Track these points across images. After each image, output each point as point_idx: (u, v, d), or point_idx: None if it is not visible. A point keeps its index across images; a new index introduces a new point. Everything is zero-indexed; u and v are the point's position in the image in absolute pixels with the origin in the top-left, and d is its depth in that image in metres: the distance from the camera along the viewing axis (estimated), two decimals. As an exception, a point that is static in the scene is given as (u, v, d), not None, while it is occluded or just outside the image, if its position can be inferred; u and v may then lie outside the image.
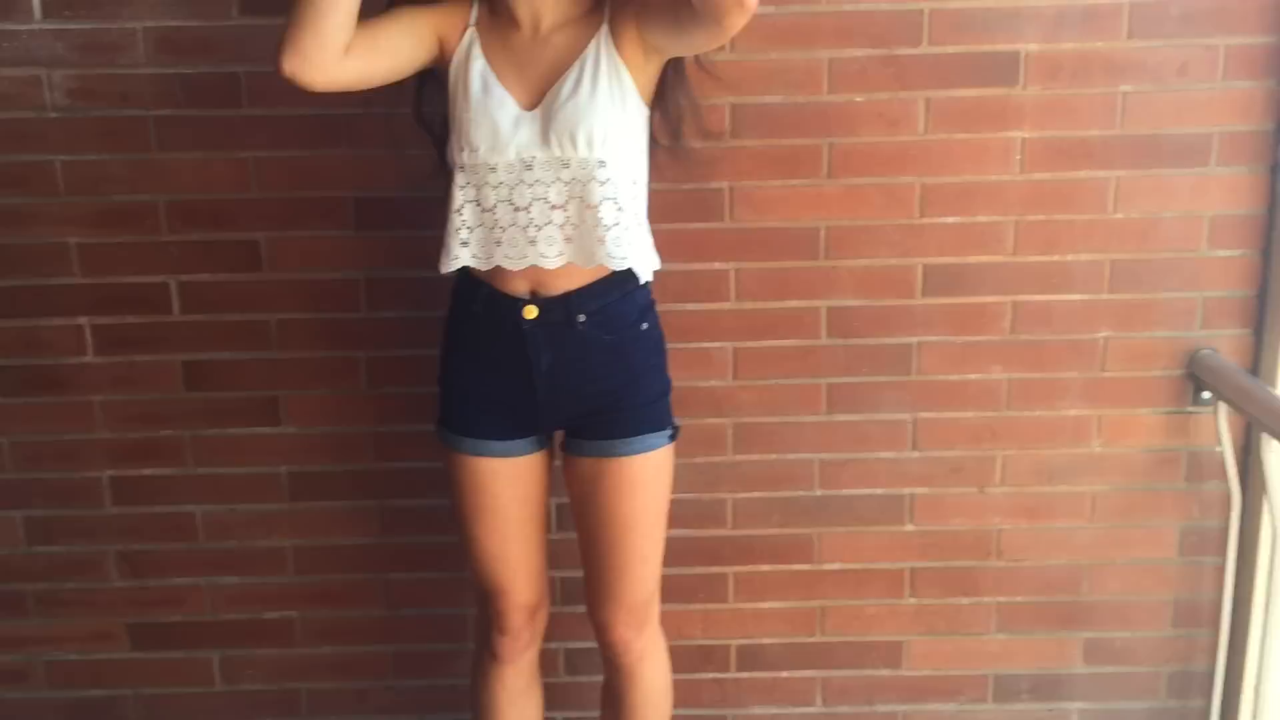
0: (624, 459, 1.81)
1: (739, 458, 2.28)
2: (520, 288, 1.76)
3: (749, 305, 2.20)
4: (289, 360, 2.22)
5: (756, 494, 2.30)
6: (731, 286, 2.19)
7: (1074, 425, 2.26)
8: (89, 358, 2.21)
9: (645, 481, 1.84)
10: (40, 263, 2.16)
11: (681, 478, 2.21)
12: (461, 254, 1.75)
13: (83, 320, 2.19)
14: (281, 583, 2.35)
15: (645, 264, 1.81)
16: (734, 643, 2.39)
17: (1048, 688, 2.40)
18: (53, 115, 2.09)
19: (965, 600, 2.35)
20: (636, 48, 1.72)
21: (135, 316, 2.19)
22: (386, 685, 2.41)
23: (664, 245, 2.07)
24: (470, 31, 1.76)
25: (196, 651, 2.39)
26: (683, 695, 2.28)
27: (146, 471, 2.28)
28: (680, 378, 2.13)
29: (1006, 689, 2.40)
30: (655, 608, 1.97)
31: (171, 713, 2.42)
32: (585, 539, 1.91)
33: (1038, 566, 2.33)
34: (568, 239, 1.72)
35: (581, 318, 1.75)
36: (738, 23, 1.54)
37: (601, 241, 1.71)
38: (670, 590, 2.28)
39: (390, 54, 1.73)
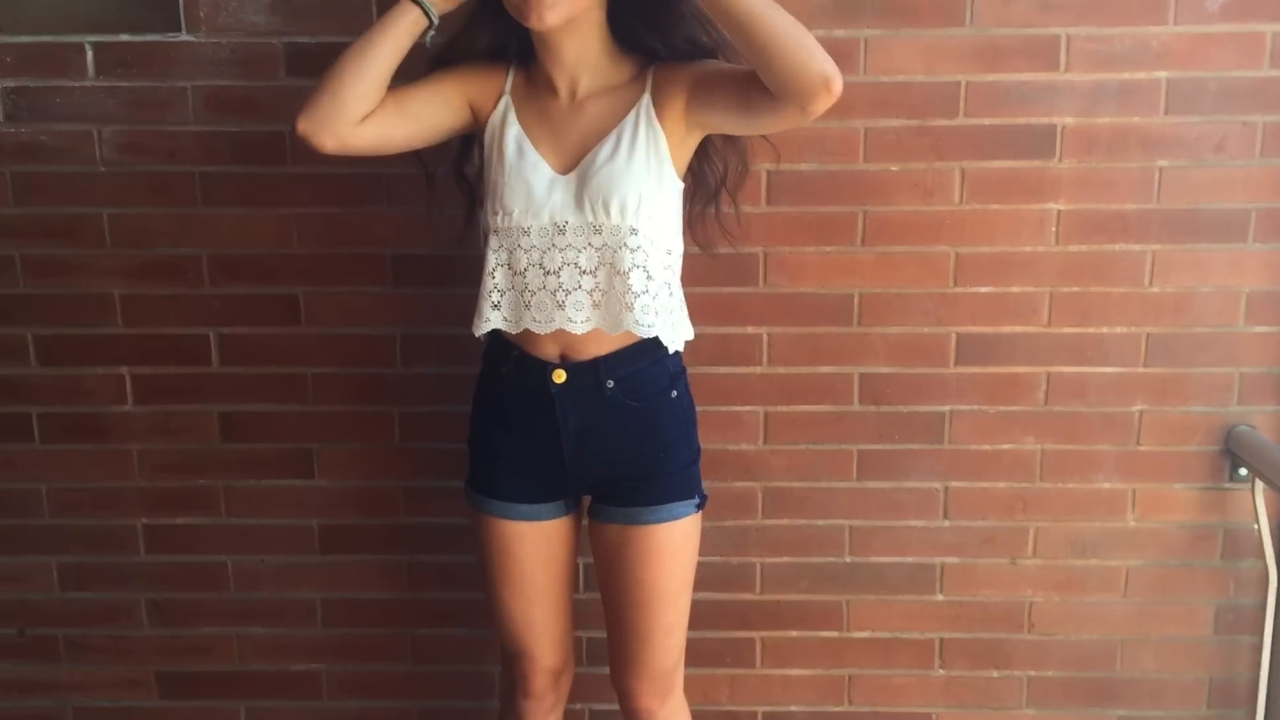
0: (650, 527, 1.80)
1: (768, 522, 2.27)
2: (550, 351, 1.76)
3: (781, 370, 2.20)
4: (324, 414, 2.24)
5: (785, 559, 2.29)
6: (764, 351, 2.19)
7: (1108, 498, 2.23)
8: (129, 407, 2.24)
9: (671, 550, 1.83)
10: (85, 312, 2.20)
11: (710, 541, 2.21)
12: (493, 316, 1.77)
13: (124, 370, 2.23)
14: (310, 635, 2.36)
15: (675, 333, 1.81)
16: (760, 709, 2.37)
17: (1079, 765, 2.37)
18: (102, 169, 2.14)
19: (996, 673, 2.32)
20: (679, 122, 1.73)
21: (175, 367, 2.23)
22: (411, 741, 2.41)
23: (697, 309, 2.09)
24: (505, 99, 1.79)
25: (224, 702, 2.40)
26: (707, 762, 2.27)
27: (180, 520, 2.30)
28: (711, 441, 2.14)
29: (1037, 765, 2.37)
30: (679, 676, 1.95)
31: (196, 762, 2.43)
32: (609, 606, 1.90)
33: (1070, 641, 2.30)
34: (595, 305, 1.73)
35: (610, 383, 1.76)
36: (822, 107, 1.53)
37: (629, 309, 1.71)
38: (697, 654, 2.27)
39: (413, 120, 1.77)
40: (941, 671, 2.33)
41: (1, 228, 2.16)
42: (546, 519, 1.86)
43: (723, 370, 2.19)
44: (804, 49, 1.51)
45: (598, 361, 1.75)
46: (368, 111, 1.70)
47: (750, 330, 2.18)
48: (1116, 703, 2.33)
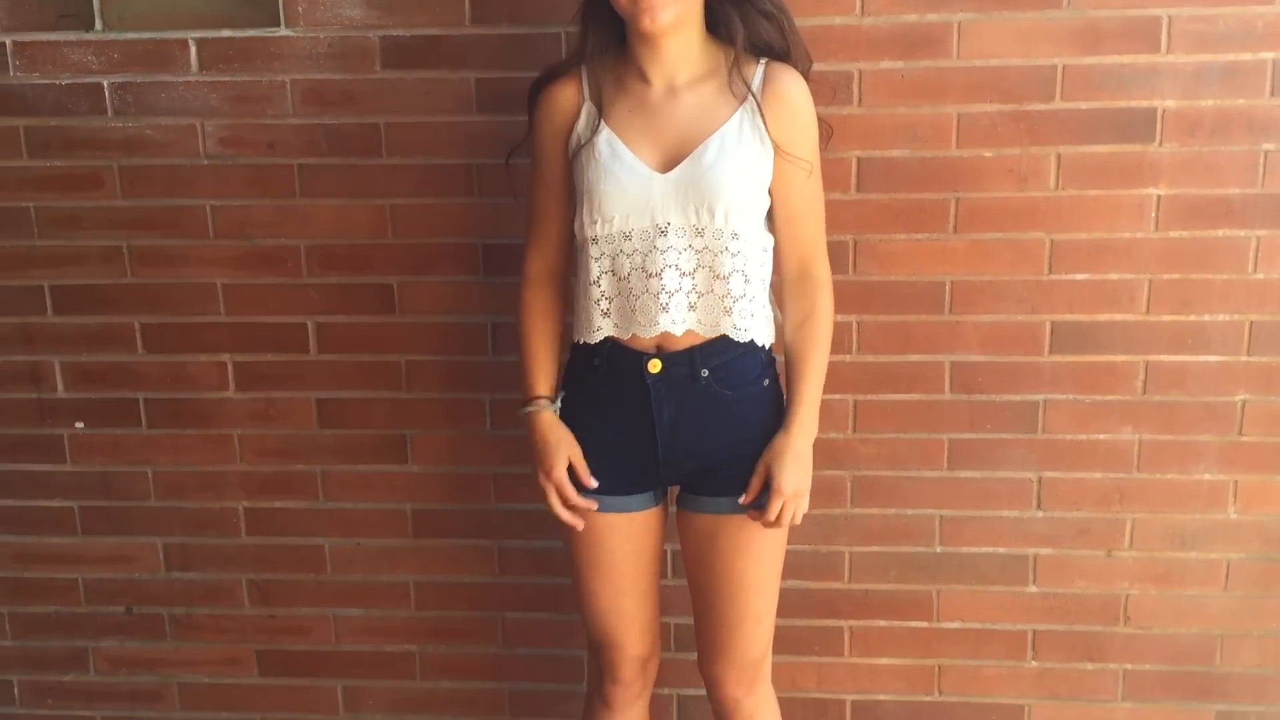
0: (741, 517, 1.81)
1: (857, 511, 2.26)
2: (645, 343, 1.76)
3: (870, 358, 2.19)
4: (417, 401, 2.28)
5: (875, 548, 2.27)
6: (854, 339, 2.18)
7: (1209, 490, 2.18)
8: (230, 393, 2.31)
9: (761, 541, 1.83)
10: (190, 302, 2.26)
11: (798, 529, 2.19)
12: (604, 325, 1.76)
13: (226, 357, 2.29)
14: (403, 616, 2.41)
15: (769, 328, 1.81)
16: (849, 697, 2.36)
17: (1177, 761, 2.32)
18: (205, 162, 2.20)
19: (1090, 665, 2.29)
20: (775, 139, 1.73)
21: (274, 355, 2.28)
22: (501, 723, 2.45)
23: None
24: (586, 106, 1.77)
25: (321, 680, 2.46)
26: (795, 749, 2.27)
27: (279, 504, 2.36)
28: (800, 430, 2.14)
29: (1133, 760, 2.33)
30: (767, 665, 1.95)
31: (295, 739, 2.50)
32: (698, 595, 1.90)
33: (1168, 634, 2.26)
34: (691, 307, 1.72)
35: (705, 373, 1.75)
36: None
37: (728, 313, 1.72)
38: (785, 642, 2.27)
39: (569, 219, 1.83)
40: (1034, 663, 2.30)
41: (110, 219, 2.23)
42: (637, 510, 1.86)
43: (812, 358, 2.18)
44: None
45: (693, 351, 1.75)
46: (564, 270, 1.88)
47: (840, 318, 2.14)
48: (1215, 697, 2.28)
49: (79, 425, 2.34)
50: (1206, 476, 2.18)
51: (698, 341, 1.75)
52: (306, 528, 2.37)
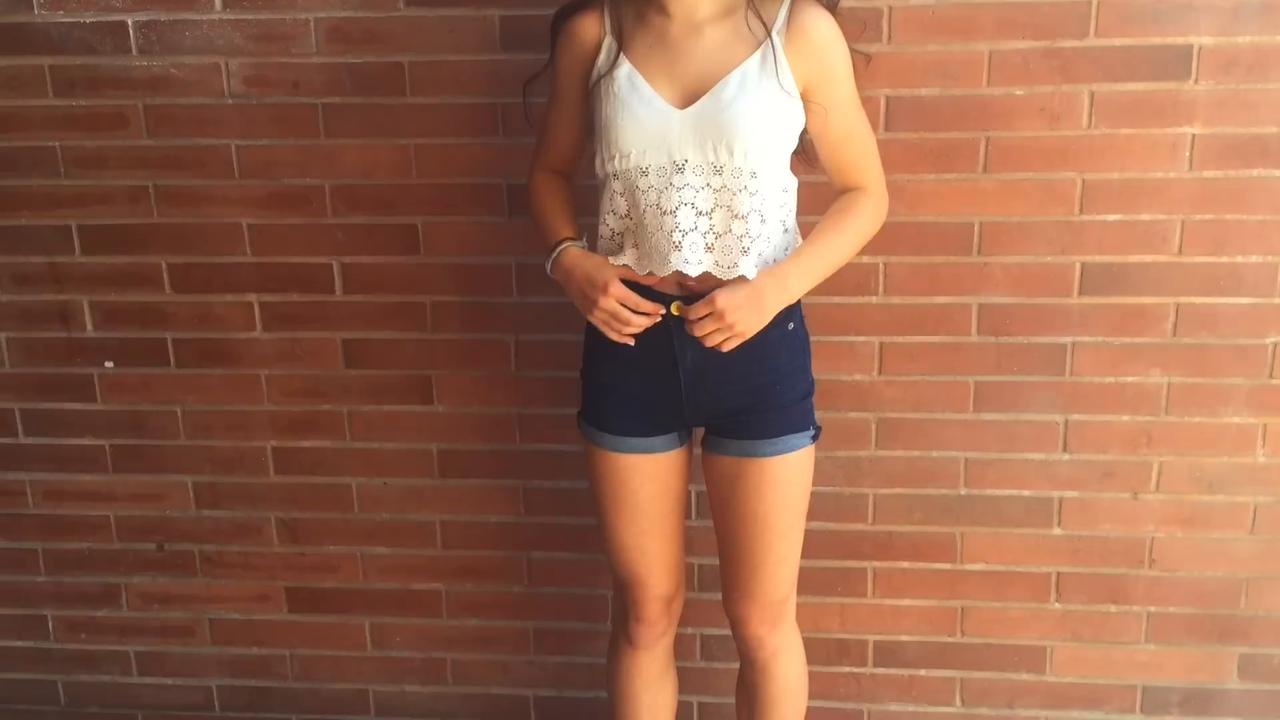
0: (765, 460, 1.80)
1: (882, 453, 2.26)
2: (668, 284, 1.74)
3: (897, 300, 2.17)
4: (442, 341, 2.29)
5: (899, 490, 2.28)
6: (880, 280, 2.16)
7: (1237, 433, 2.17)
8: (257, 333, 2.32)
9: (786, 483, 1.83)
10: (216, 242, 2.27)
11: (823, 471, 2.21)
12: (627, 255, 1.75)
13: (252, 297, 2.30)
14: (430, 555, 2.43)
15: None
16: (871, 638, 2.38)
17: (1199, 702, 2.32)
18: (229, 101, 2.19)
19: (1114, 608, 2.29)
20: (803, 77, 1.70)
21: (300, 295, 2.29)
22: (528, 660, 2.48)
23: (812, 238, 2.07)
24: (607, 40, 1.75)
25: (349, 617, 2.49)
26: (819, 688, 2.29)
27: (307, 444, 2.38)
28: (824, 371, 2.14)
29: (1155, 701, 2.33)
30: (791, 605, 1.97)
31: (325, 673, 2.54)
32: (723, 536, 1.91)
33: (1193, 577, 2.26)
34: (708, 248, 1.70)
35: None
36: None
37: (745, 253, 1.69)
38: (809, 583, 2.28)
39: (581, 143, 1.84)
40: (1058, 605, 2.30)
41: (136, 159, 2.23)
42: (661, 451, 1.86)
43: (837, 300, 2.17)
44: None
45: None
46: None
47: (866, 260, 2.14)
48: (1239, 640, 2.28)
49: (108, 364, 2.36)
50: (1235, 419, 2.16)
51: (718, 284, 1.71)
52: (334, 467, 2.39)
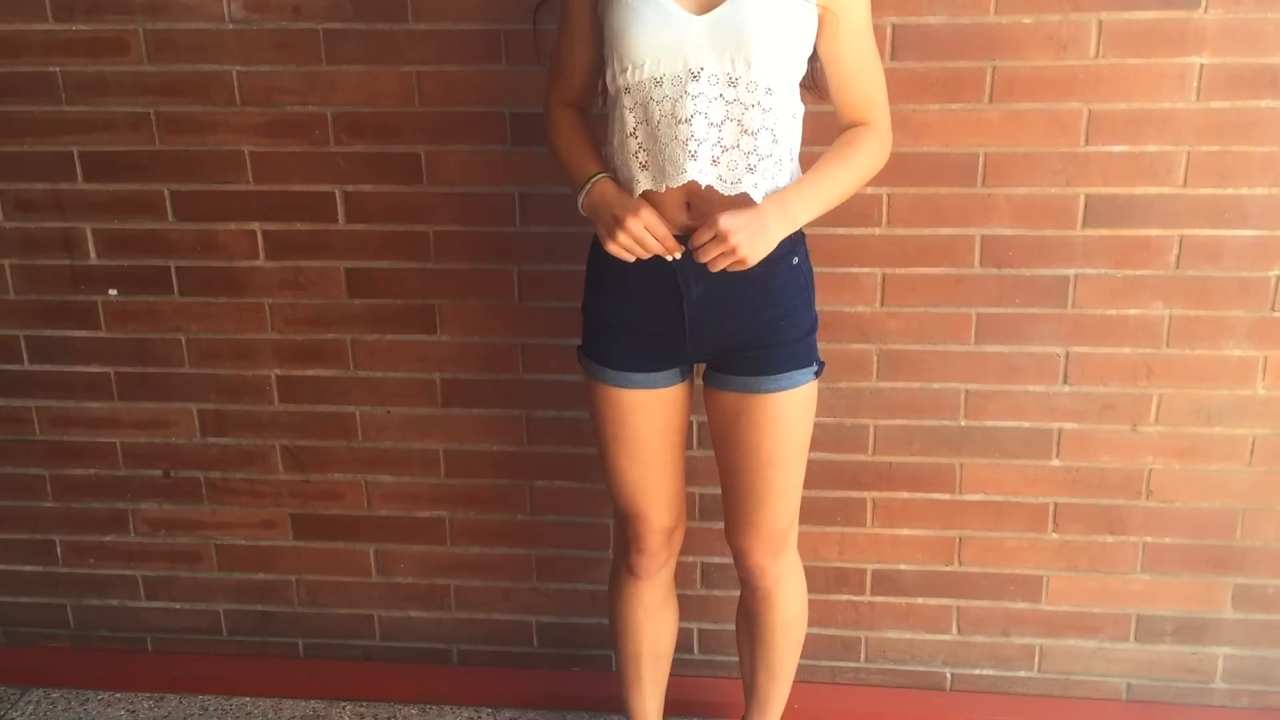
0: (769, 395, 1.80)
1: (883, 384, 2.27)
2: (675, 213, 1.71)
3: (900, 231, 2.17)
4: (445, 271, 2.29)
5: (899, 421, 2.29)
6: (883, 211, 2.16)
7: (1238, 366, 2.17)
8: (260, 262, 2.32)
9: (789, 418, 1.83)
10: (218, 169, 2.26)
11: (824, 402, 2.22)
12: (643, 178, 1.70)
13: (255, 225, 2.30)
14: (433, 484, 2.45)
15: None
16: (870, 567, 2.40)
17: (1192, 631, 2.36)
18: (230, 27, 2.17)
19: (1110, 538, 2.31)
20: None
21: (303, 224, 2.29)
22: (530, 586, 2.51)
23: (816, 168, 2.06)
24: None
25: (354, 544, 2.52)
26: (817, 615, 2.32)
27: (310, 372, 2.39)
28: (827, 302, 2.15)
29: (1149, 630, 2.37)
30: (793, 535, 1.98)
31: (330, 598, 2.57)
32: (725, 471, 1.91)
33: (1189, 508, 2.27)
34: (714, 161, 1.65)
35: None
36: None
37: (751, 170, 1.66)
38: (808, 513, 2.30)
39: (596, 65, 1.79)
40: (1054, 535, 2.32)
41: (137, 85, 2.22)
42: (663, 386, 1.86)
43: (840, 231, 2.16)
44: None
45: None
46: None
47: (869, 190, 2.14)
48: (1234, 570, 2.31)
49: (112, 292, 2.37)
50: (1236, 352, 2.17)
51: (723, 206, 1.68)
52: (337, 396, 2.41)
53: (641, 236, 1.67)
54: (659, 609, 2.08)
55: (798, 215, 1.72)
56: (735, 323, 1.78)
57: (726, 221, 1.63)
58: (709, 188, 1.67)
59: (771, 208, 1.68)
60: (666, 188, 1.68)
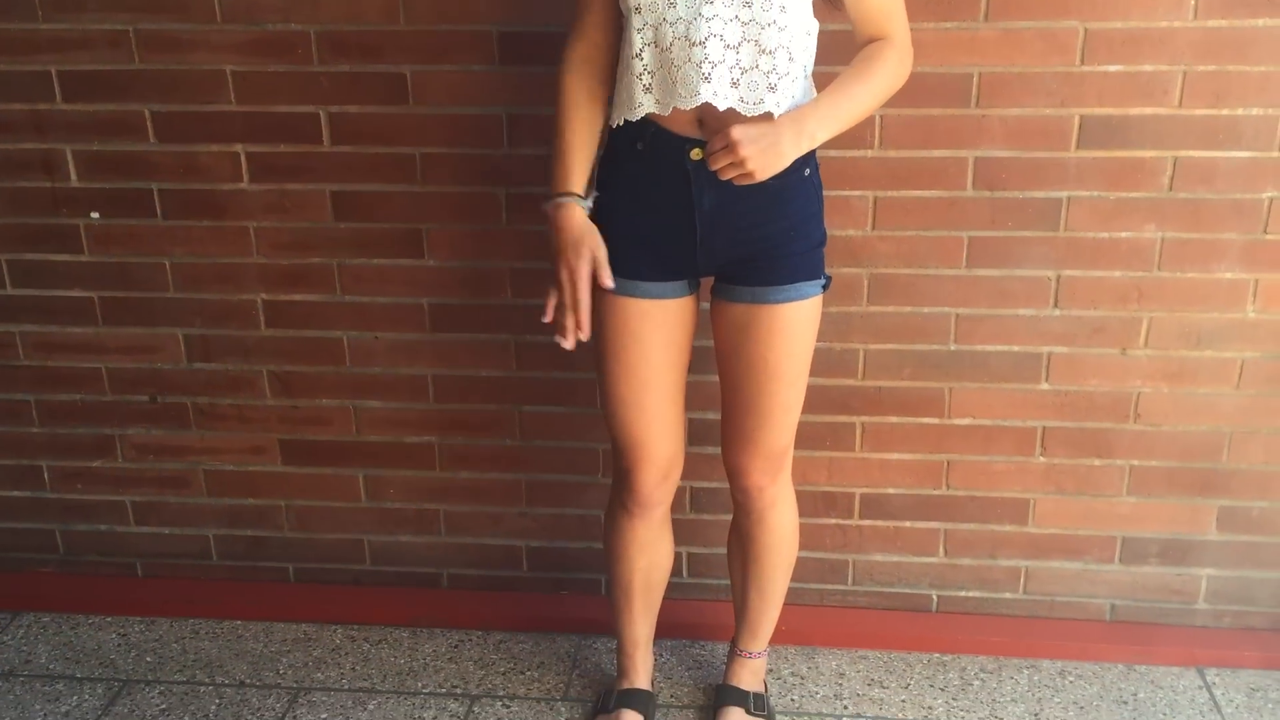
0: (778, 306, 1.80)
1: (873, 309, 2.26)
2: (688, 128, 1.71)
3: (892, 153, 2.15)
4: (432, 194, 2.26)
5: (889, 346, 2.28)
6: (876, 133, 2.14)
7: (1229, 289, 2.17)
8: (244, 184, 2.29)
9: (796, 330, 1.82)
10: (199, 89, 2.22)
11: (814, 325, 2.22)
12: (645, 101, 1.70)
13: (238, 148, 2.26)
14: (422, 409, 2.45)
15: None
16: (858, 491, 2.41)
17: (1177, 553, 2.38)
18: (209, -58, 2.12)
19: (1098, 461, 2.32)
20: None
21: (287, 145, 2.25)
22: (519, 511, 2.52)
23: (809, 87, 2.03)
24: None
25: (343, 469, 2.52)
26: (805, 539, 2.33)
27: (297, 297, 2.37)
28: (818, 224, 2.12)
29: (1134, 551, 2.39)
30: (789, 456, 1.99)
31: (320, 524, 2.58)
32: (729, 386, 1.90)
33: (1177, 432, 2.29)
34: (734, 83, 1.65)
35: None
36: None
37: (772, 89, 1.65)
38: (798, 437, 2.30)
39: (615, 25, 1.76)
40: (1042, 459, 2.34)
41: (114, 2, 2.17)
42: (671, 297, 1.84)
43: (832, 153, 2.14)
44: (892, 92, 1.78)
45: None
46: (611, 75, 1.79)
47: (863, 111, 2.11)
48: (1219, 493, 2.32)
49: (94, 215, 2.33)
50: (1227, 275, 2.16)
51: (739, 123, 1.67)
52: (325, 321, 2.39)
53: (577, 282, 1.74)
54: (653, 543, 2.07)
55: (815, 132, 1.68)
56: (746, 233, 1.77)
57: (738, 132, 1.61)
58: (730, 110, 1.65)
59: (787, 126, 1.66)
60: (675, 111, 1.67)
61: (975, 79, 2.08)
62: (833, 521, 2.44)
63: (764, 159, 1.63)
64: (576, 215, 1.75)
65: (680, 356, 1.91)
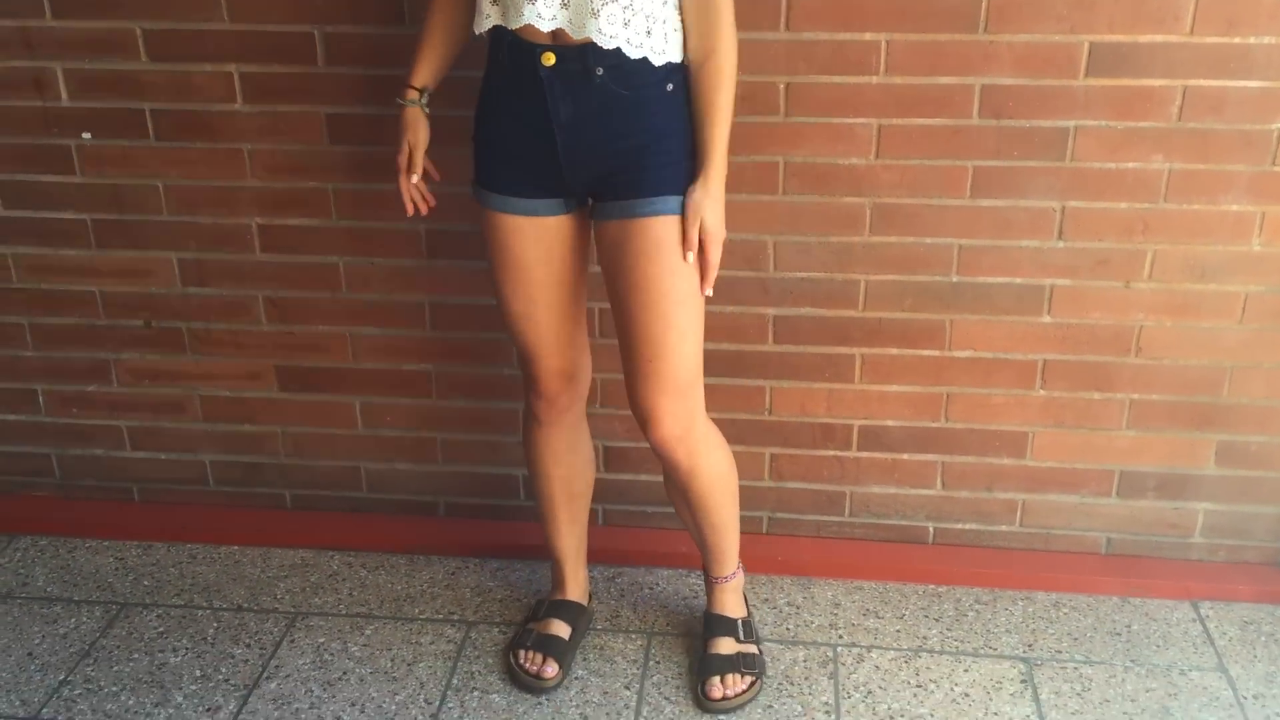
0: (648, 220, 1.77)
1: (875, 239, 2.23)
2: (542, 36, 1.70)
3: (898, 80, 2.11)
4: (431, 118, 2.21)
5: (891, 276, 2.26)
6: (881, 59, 2.09)
7: (1235, 221, 2.14)
8: (238, 106, 2.25)
9: (671, 244, 1.78)
10: (192, 7, 2.18)
11: (814, 257, 2.21)
12: (492, 13, 1.73)
13: (232, 68, 2.22)
14: (419, 336, 2.43)
15: (648, 49, 1.70)
16: (857, 423, 2.40)
17: (1175, 486, 2.38)
18: None
19: (1098, 395, 2.31)
20: None
21: (281, 66, 2.21)
22: (516, 440, 2.49)
23: (810, 11, 2.01)
24: None
25: (339, 396, 2.51)
26: (802, 471, 2.34)
27: (292, 221, 2.35)
28: (820, 154, 2.11)
29: (1132, 485, 2.39)
30: (699, 397, 1.90)
31: (317, 450, 2.57)
32: (620, 316, 1.85)
33: (1178, 365, 2.27)
34: (564, 4, 1.66)
35: (600, 70, 1.69)
36: None
37: (595, 15, 1.65)
38: (796, 368, 2.31)
39: None
40: (1042, 392, 2.32)
41: (103, -85, 2.12)
42: (545, 215, 1.85)
43: (835, 80, 2.10)
44: None
45: (586, 48, 1.68)
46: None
47: (868, 37, 2.07)
48: (1218, 427, 2.32)
49: (86, 136, 2.30)
50: (1234, 207, 2.14)
51: (581, 42, 1.69)
52: (320, 246, 2.36)
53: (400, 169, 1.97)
54: (567, 452, 2.11)
55: (718, 175, 1.79)
56: (607, 147, 1.77)
57: (715, 225, 1.78)
58: (558, 29, 1.69)
59: (718, 186, 1.79)
60: (525, 26, 1.70)
61: (984, 4, 2.04)
62: (831, 453, 2.43)
63: (715, 218, 1.78)
64: (406, 111, 1.94)
65: (566, 273, 1.92)
